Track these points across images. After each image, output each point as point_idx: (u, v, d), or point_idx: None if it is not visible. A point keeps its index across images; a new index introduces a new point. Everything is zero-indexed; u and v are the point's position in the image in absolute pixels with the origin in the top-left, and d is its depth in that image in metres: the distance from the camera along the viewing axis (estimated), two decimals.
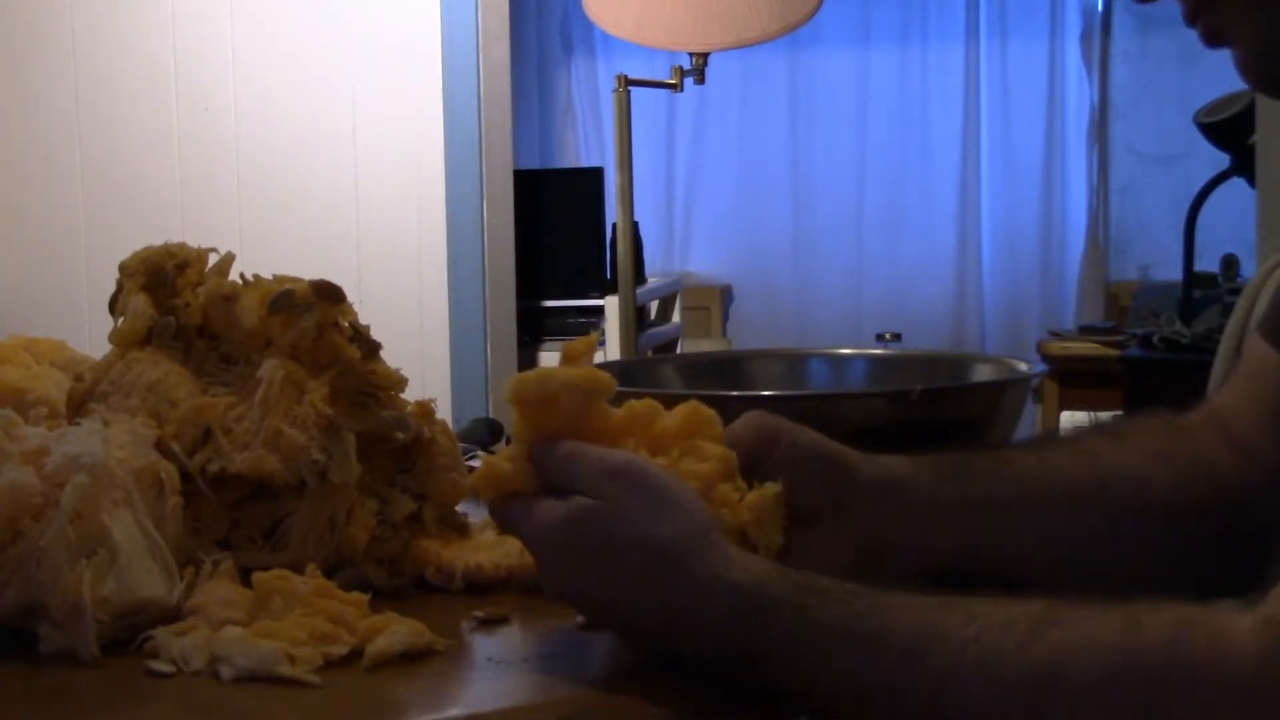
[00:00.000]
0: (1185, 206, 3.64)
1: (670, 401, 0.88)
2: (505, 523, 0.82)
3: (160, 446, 0.91)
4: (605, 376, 0.83)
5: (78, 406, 0.97)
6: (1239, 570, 0.93)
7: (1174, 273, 3.98)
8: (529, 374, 0.83)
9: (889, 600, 0.73)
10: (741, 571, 0.76)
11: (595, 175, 4.46)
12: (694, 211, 5.76)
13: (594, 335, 0.85)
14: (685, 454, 0.86)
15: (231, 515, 0.94)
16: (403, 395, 0.99)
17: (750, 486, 0.87)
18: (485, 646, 0.84)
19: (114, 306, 1.01)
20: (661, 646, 0.78)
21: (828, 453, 0.90)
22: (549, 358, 4.22)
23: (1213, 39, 0.81)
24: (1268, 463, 0.92)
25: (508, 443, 0.96)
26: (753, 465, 0.89)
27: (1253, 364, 0.96)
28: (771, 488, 0.86)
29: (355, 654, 0.80)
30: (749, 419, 0.91)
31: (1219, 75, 5.06)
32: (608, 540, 0.77)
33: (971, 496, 0.92)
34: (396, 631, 0.81)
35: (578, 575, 0.79)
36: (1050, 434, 1.08)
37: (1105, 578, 0.94)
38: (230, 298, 0.97)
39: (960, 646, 0.69)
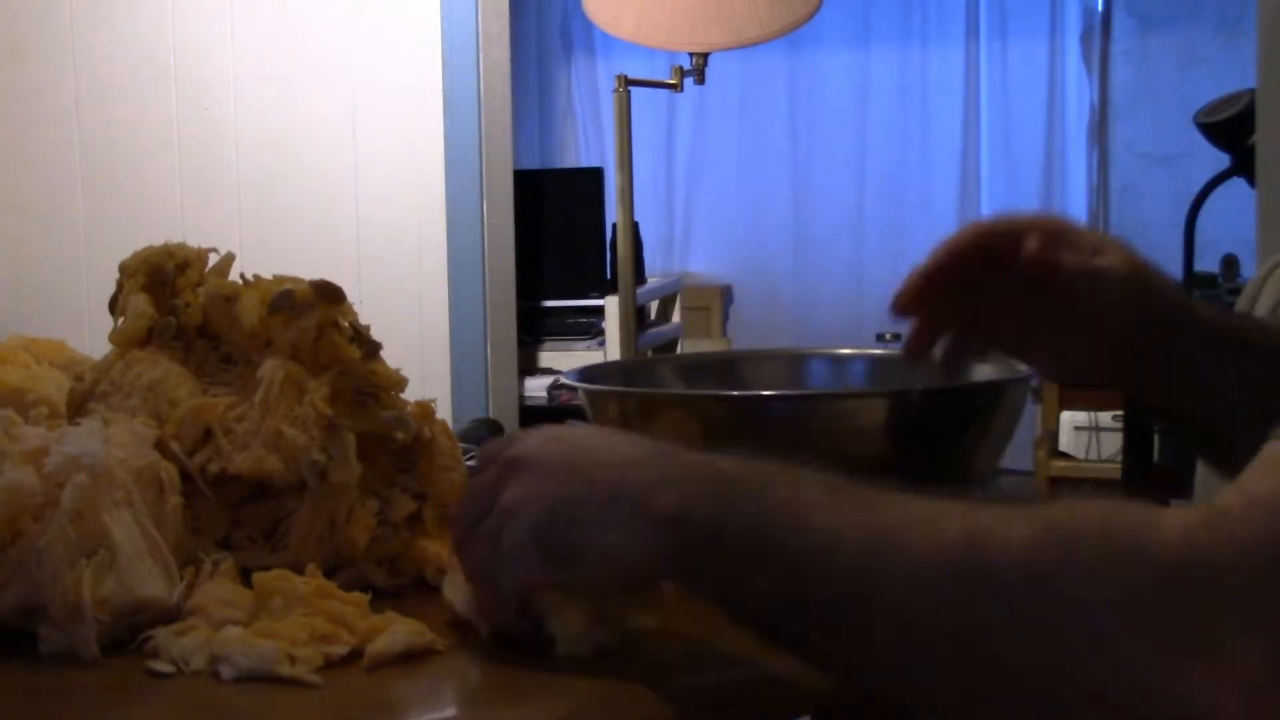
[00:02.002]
0: (1185, 206, 3.64)
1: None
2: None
3: (160, 446, 0.91)
4: None
5: (78, 406, 0.97)
6: None
7: (1174, 273, 3.98)
8: None
9: (855, 483, 0.75)
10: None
11: (595, 175, 4.46)
12: (694, 211, 5.76)
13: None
14: None
15: (231, 515, 0.94)
16: (403, 395, 0.99)
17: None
18: (485, 647, 0.84)
19: (114, 306, 1.01)
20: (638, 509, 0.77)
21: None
22: (549, 358, 4.23)
23: None
24: None
25: None
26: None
27: None
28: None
29: (355, 654, 0.80)
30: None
31: (1219, 75, 5.05)
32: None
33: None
34: (396, 631, 0.81)
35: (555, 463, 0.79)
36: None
37: None
38: (230, 298, 0.97)
39: (907, 508, 0.70)
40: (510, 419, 3.18)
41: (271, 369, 0.94)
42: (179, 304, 0.98)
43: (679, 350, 4.69)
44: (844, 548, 0.70)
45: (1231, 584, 0.62)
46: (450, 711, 0.76)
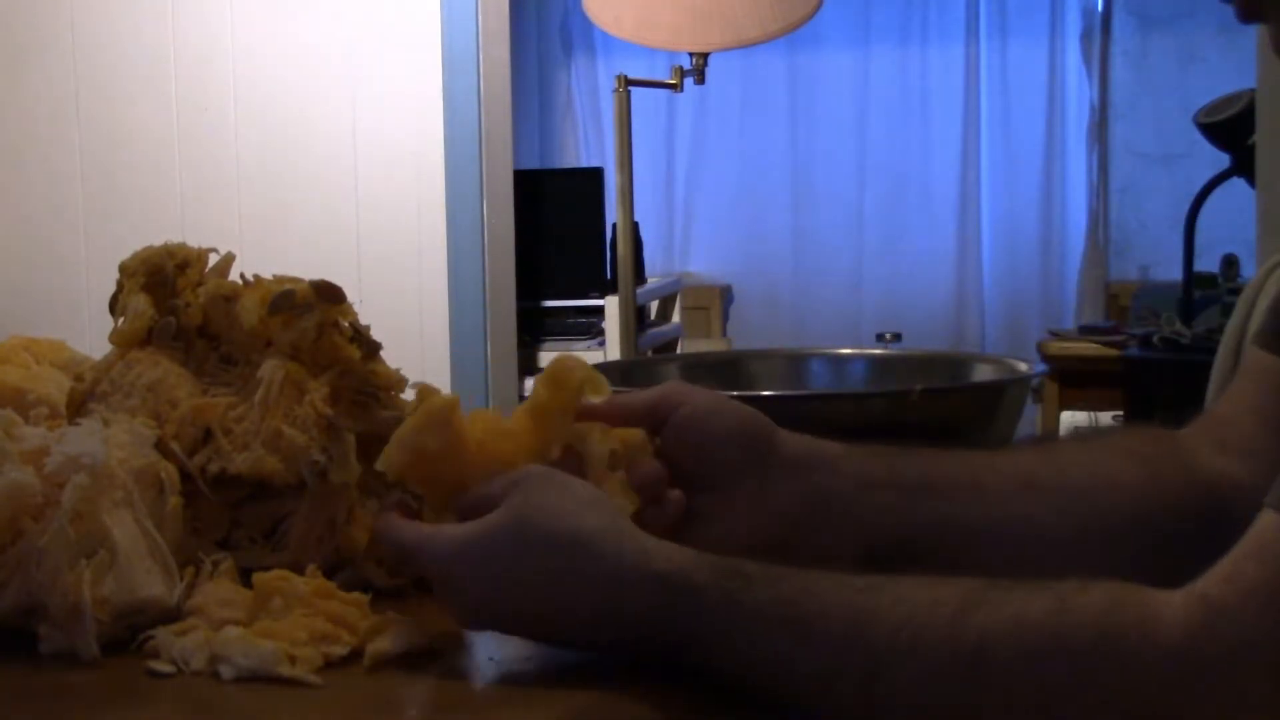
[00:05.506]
0: (1185, 206, 3.64)
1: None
2: (403, 547, 0.81)
3: (160, 446, 0.90)
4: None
5: (78, 406, 0.97)
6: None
7: (1174, 273, 3.98)
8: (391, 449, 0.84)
9: (816, 585, 0.72)
10: (663, 561, 0.75)
11: (595, 175, 4.46)
12: (694, 211, 5.76)
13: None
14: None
15: (231, 515, 0.94)
16: (403, 395, 0.99)
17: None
18: (485, 646, 0.84)
19: (114, 306, 1.01)
20: (589, 641, 0.78)
21: (742, 419, 0.88)
22: (549, 358, 4.23)
23: (1249, 15, 0.80)
24: (1262, 467, 0.87)
25: None
26: (654, 426, 0.88)
27: (1251, 371, 0.95)
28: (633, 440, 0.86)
29: (355, 654, 0.80)
30: (661, 388, 0.90)
31: (1219, 75, 5.05)
32: (522, 542, 0.76)
33: (905, 474, 0.88)
34: (396, 631, 0.81)
35: (495, 587, 0.77)
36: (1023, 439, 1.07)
37: (1061, 564, 0.89)
38: (230, 298, 0.97)
39: (891, 631, 0.69)
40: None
41: (271, 369, 0.94)
42: (179, 304, 0.98)
43: (679, 350, 4.69)
44: (865, 633, 0.70)
45: (1246, 679, 0.63)
46: (450, 712, 0.76)
